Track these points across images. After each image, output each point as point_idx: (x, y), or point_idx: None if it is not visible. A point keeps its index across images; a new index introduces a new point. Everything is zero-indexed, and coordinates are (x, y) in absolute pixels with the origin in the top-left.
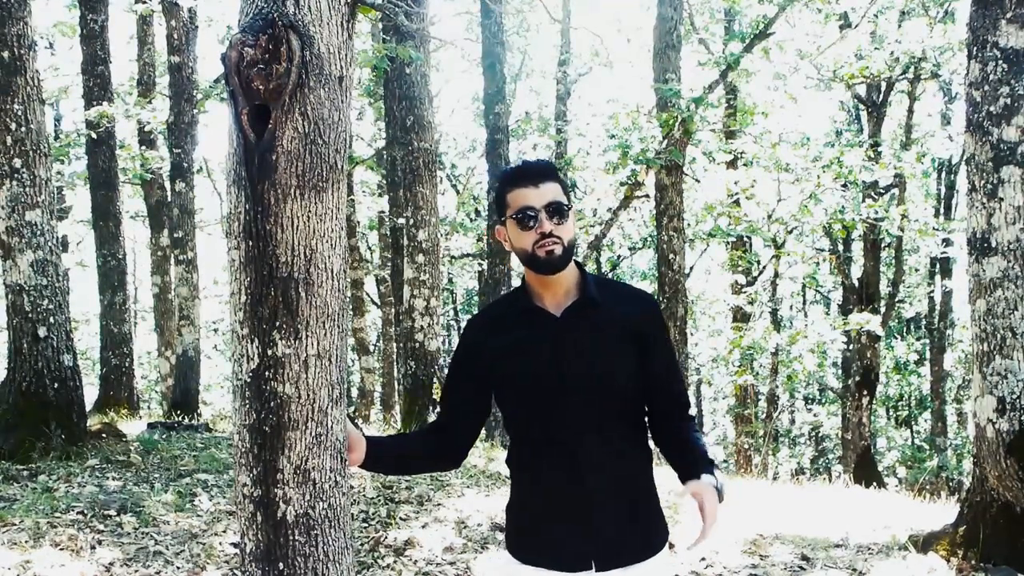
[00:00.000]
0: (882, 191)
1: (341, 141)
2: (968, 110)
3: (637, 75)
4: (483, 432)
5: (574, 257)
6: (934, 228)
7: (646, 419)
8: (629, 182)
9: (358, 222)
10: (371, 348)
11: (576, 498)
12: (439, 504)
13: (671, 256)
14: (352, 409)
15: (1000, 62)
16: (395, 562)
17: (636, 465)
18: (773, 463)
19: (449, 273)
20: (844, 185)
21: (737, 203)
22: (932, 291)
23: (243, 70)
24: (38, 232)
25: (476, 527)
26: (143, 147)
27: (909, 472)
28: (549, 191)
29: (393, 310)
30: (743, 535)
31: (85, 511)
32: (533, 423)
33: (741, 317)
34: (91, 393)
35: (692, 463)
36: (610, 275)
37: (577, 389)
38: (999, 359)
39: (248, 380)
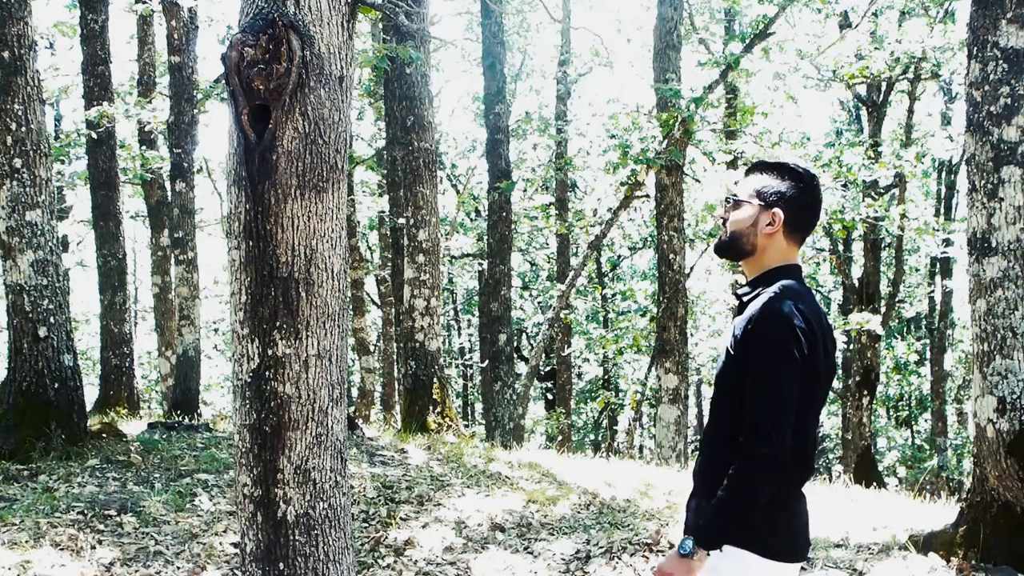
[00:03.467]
0: (882, 191)
1: (341, 141)
2: (968, 110)
3: (637, 75)
4: (484, 432)
5: (769, 262)
6: (934, 228)
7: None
8: (629, 182)
9: (358, 222)
10: (371, 348)
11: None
12: (439, 504)
13: (671, 256)
14: (352, 409)
15: (1000, 62)
16: (395, 562)
17: (719, 462)
18: None
19: (449, 273)
20: (844, 185)
21: None
22: (932, 291)
23: (243, 70)
24: (38, 232)
25: (476, 527)
26: (143, 147)
27: (909, 472)
28: (741, 183)
29: (393, 310)
30: None
31: (85, 511)
32: None
33: None
34: (91, 393)
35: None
36: (610, 275)
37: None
38: (999, 359)
39: (248, 380)
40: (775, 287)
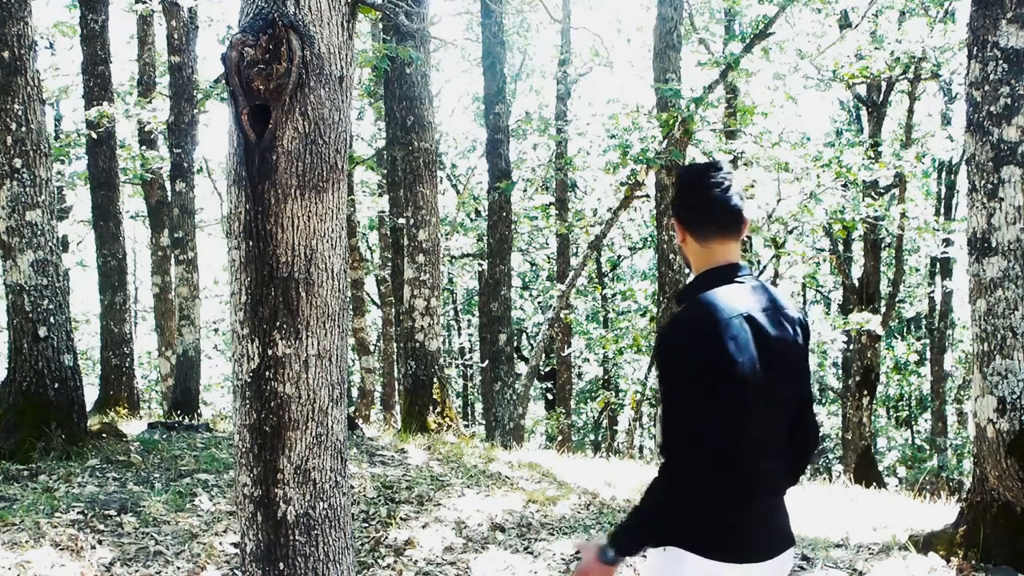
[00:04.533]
0: (882, 191)
1: (341, 141)
2: (968, 110)
3: (637, 75)
4: (484, 432)
5: (694, 269)
6: (934, 228)
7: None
8: (629, 182)
9: (358, 222)
10: (371, 348)
11: None
12: (439, 504)
13: (671, 256)
14: (352, 409)
15: (1000, 62)
16: (395, 562)
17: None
18: None
19: (449, 273)
20: (844, 185)
21: None
22: (932, 291)
23: (243, 70)
24: (38, 232)
25: (476, 527)
26: (143, 147)
27: (909, 472)
28: None
29: (393, 310)
30: None
31: (85, 511)
32: None
33: None
34: (91, 393)
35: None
36: (610, 275)
37: None
38: (999, 359)
39: (248, 380)
40: (687, 303)
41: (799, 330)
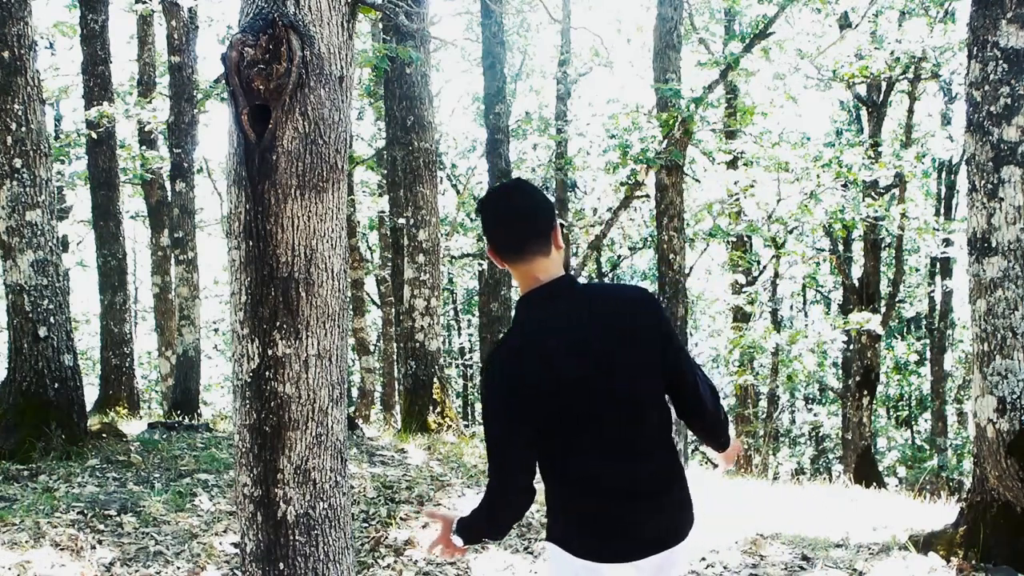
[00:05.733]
0: (882, 191)
1: (341, 141)
2: (968, 110)
3: (637, 75)
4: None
5: (520, 290)
6: (934, 228)
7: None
8: (629, 182)
9: (358, 222)
10: (371, 348)
11: None
12: (439, 504)
13: (671, 256)
14: (352, 409)
15: (1000, 62)
16: (395, 562)
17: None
18: (773, 463)
19: (449, 273)
20: (844, 185)
21: (737, 202)
22: (932, 291)
23: (243, 70)
24: (38, 232)
25: None
26: (143, 147)
27: (909, 472)
28: None
29: (393, 310)
30: (743, 535)
31: (85, 511)
32: None
33: (741, 317)
34: (91, 393)
35: None
36: (610, 275)
37: None
38: (999, 359)
39: (248, 380)
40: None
41: (626, 331)
